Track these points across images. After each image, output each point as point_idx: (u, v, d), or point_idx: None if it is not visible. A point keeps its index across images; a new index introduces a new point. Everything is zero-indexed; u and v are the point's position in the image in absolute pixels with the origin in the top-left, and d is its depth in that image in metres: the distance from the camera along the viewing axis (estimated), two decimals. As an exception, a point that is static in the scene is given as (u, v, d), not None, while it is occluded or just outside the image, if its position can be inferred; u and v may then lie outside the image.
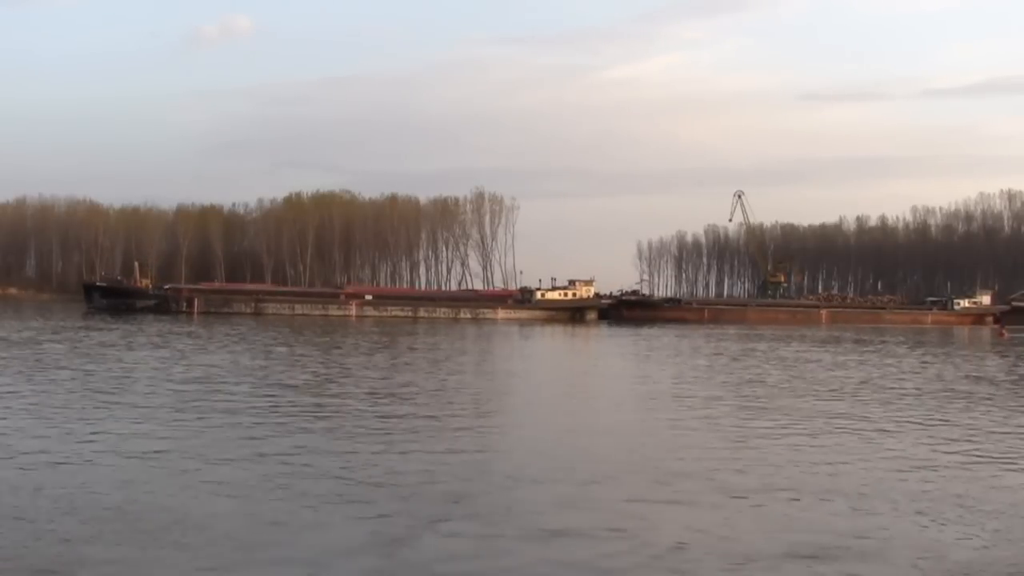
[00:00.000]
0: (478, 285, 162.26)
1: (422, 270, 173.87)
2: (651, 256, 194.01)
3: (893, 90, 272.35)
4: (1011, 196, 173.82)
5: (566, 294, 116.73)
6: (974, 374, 40.14)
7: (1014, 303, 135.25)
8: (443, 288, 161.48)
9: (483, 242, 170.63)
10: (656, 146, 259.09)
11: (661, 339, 68.39)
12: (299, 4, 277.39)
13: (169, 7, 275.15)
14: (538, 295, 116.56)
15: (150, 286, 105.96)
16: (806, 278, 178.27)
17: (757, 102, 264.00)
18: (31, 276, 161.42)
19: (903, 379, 36.56)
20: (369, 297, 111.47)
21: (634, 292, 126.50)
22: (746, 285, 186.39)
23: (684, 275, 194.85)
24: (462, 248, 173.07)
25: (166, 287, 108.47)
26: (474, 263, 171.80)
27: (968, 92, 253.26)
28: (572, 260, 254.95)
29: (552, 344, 64.79)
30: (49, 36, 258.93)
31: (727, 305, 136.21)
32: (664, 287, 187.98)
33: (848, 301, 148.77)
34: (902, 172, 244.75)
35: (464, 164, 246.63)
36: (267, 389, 27.37)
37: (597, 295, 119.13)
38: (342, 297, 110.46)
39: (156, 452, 16.61)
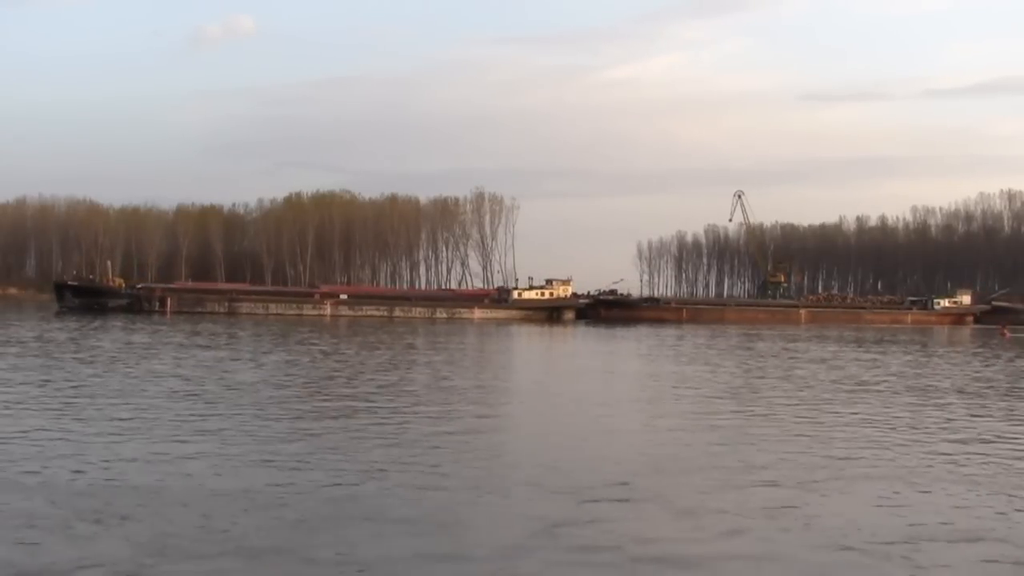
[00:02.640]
0: (478, 285, 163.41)
1: (422, 270, 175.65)
2: (651, 256, 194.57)
3: (893, 90, 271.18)
4: (1011, 196, 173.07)
5: (543, 294, 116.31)
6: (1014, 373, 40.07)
7: (994, 303, 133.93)
8: (443, 287, 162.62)
9: (483, 242, 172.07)
10: (656, 146, 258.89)
11: (674, 340, 67.32)
12: (300, 4, 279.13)
13: (172, 7, 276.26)
14: (515, 295, 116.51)
15: (123, 285, 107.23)
16: (806, 278, 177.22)
17: (757, 102, 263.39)
18: (31, 276, 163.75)
19: (942, 378, 36.37)
20: (344, 296, 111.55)
21: (611, 292, 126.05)
22: (746, 285, 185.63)
23: (684, 275, 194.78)
24: (462, 248, 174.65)
25: (139, 286, 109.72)
26: (474, 263, 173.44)
27: (968, 92, 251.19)
28: (572, 260, 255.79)
29: (578, 347, 63.84)
30: (49, 36, 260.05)
31: (706, 305, 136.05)
32: (664, 287, 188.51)
33: (848, 301, 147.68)
34: (902, 172, 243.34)
35: (464, 164, 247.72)
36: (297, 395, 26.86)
37: (574, 294, 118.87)
38: (316, 297, 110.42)
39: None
